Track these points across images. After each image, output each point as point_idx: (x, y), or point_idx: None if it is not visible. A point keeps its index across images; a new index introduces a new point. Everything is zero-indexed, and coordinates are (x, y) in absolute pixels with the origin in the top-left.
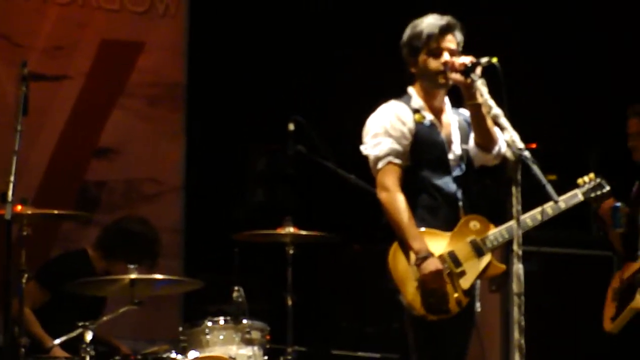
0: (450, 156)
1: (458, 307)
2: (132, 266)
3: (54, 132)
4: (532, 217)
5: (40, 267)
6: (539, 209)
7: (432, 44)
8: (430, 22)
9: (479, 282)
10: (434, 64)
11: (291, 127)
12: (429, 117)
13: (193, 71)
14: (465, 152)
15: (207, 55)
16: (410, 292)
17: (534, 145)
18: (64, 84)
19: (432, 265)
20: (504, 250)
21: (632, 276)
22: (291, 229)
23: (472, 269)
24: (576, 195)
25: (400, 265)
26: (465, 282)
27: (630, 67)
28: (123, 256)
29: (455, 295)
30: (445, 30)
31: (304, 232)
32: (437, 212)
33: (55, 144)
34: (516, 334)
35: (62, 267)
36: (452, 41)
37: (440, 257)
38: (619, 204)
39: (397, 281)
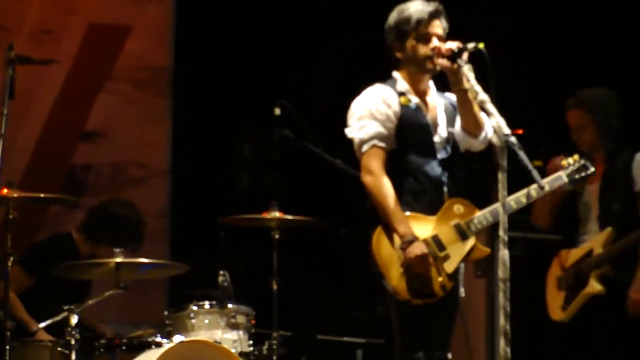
0: (436, 139)
1: (442, 291)
2: (117, 250)
3: (41, 115)
4: (516, 199)
5: (25, 252)
6: (523, 192)
7: (421, 29)
8: (418, 8)
9: (463, 266)
10: (422, 49)
11: (277, 111)
12: (414, 100)
13: (179, 55)
14: (451, 135)
15: (194, 40)
16: (395, 277)
17: (520, 131)
18: (51, 68)
19: (417, 249)
20: (488, 235)
21: (578, 263)
22: (277, 214)
23: (456, 252)
24: (560, 177)
25: (384, 249)
26: (449, 266)
27: (616, 53)
28: (108, 239)
29: (440, 279)
30: (433, 15)
31: (289, 217)
32: (421, 195)
33: (42, 128)
34: (502, 320)
35: (46, 251)
36: (439, 27)
37: (424, 241)
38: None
39: (381, 266)
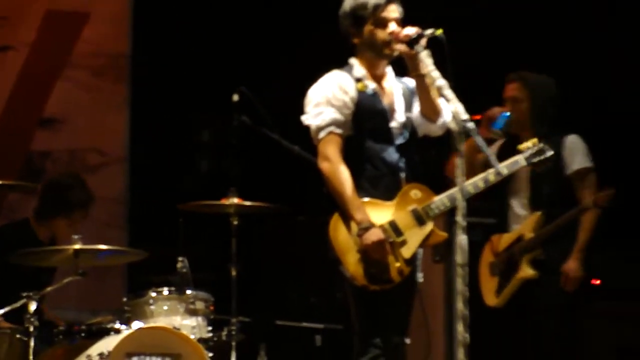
0: (393, 124)
1: (400, 276)
2: (76, 237)
3: None
4: (474, 184)
5: None
6: (481, 176)
7: (378, 14)
8: None
9: (421, 252)
10: (381, 34)
11: (235, 98)
12: (371, 85)
13: (137, 42)
14: (409, 120)
15: (152, 27)
16: (352, 263)
17: (478, 117)
18: (8, 55)
19: (374, 235)
20: (447, 221)
21: (510, 248)
22: (235, 200)
23: (414, 237)
24: (518, 162)
25: (341, 236)
26: (406, 251)
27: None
28: (57, 211)
29: (397, 264)
30: (390, 0)
31: (248, 203)
32: (379, 181)
33: (0, 114)
34: (460, 304)
35: (4, 238)
36: (395, 11)
37: (381, 227)
38: (508, 113)
39: (338, 252)
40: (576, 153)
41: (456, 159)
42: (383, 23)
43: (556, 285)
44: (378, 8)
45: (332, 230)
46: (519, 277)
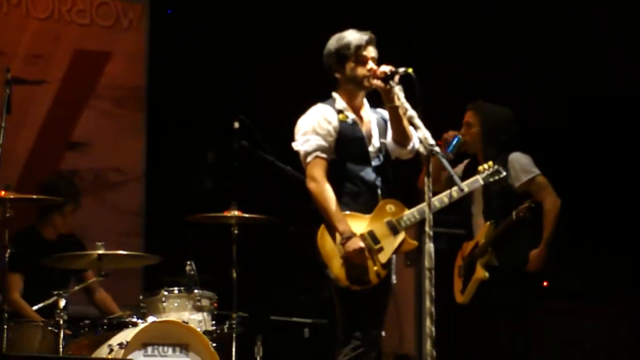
0: (370, 149)
1: (377, 278)
2: (99, 243)
3: (34, 128)
4: (440, 200)
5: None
6: (445, 193)
7: (359, 53)
8: (356, 35)
9: (394, 257)
10: (360, 70)
11: (236, 125)
12: (351, 116)
13: (153, 76)
14: (383, 145)
15: (165, 63)
16: (336, 267)
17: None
18: (42, 88)
19: (354, 244)
20: (417, 231)
21: (470, 253)
22: (236, 212)
23: (389, 245)
24: (477, 180)
25: (327, 244)
26: (383, 257)
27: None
28: (51, 209)
29: (375, 268)
30: (369, 42)
31: (247, 215)
32: (358, 197)
33: (35, 139)
34: (427, 303)
35: (18, 247)
36: (373, 51)
37: (361, 235)
38: (460, 136)
39: (324, 258)
40: (518, 169)
41: (424, 178)
42: (363, 61)
43: (507, 285)
44: (359, 48)
45: (319, 240)
46: (475, 278)
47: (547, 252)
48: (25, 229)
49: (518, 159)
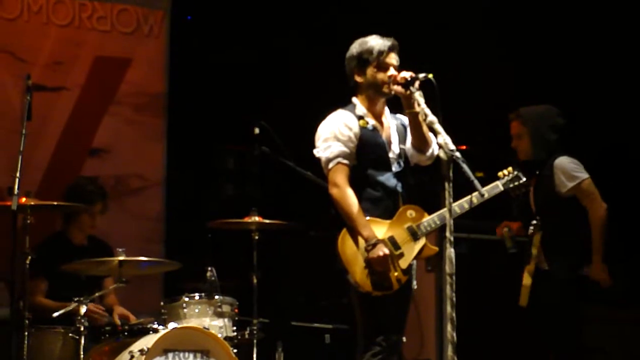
0: (391, 155)
1: (398, 284)
2: (120, 250)
3: (54, 134)
4: (460, 205)
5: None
6: (466, 199)
7: (381, 59)
8: (379, 41)
9: (415, 262)
10: (381, 76)
11: (257, 131)
12: (371, 122)
13: (173, 83)
14: (403, 151)
15: (185, 70)
16: (357, 272)
17: (464, 147)
18: (62, 94)
19: (380, 250)
20: (438, 236)
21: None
22: (257, 218)
23: (409, 251)
24: (497, 186)
25: (348, 249)
26: (403, 263)
27: (549, 77)
28: (82, 210)
29: (396, 274)
30: (391, 49)
31: (267, 221)
32: (379, 203)
33: (55, 145)
34: (448, 308)
35: (44, 252)
36: (395, 58)
37: (382, 241)
38: (506, 228)
39: (345, 263)
40: (563, 175)
41: (445, 184)
42: (384, 67)
43: (553, 289)
44: (381, 54)
45: (340, 245)
46: (523, 284)
47: (601, 261)
48: (53, 235)
49: (563, 164)
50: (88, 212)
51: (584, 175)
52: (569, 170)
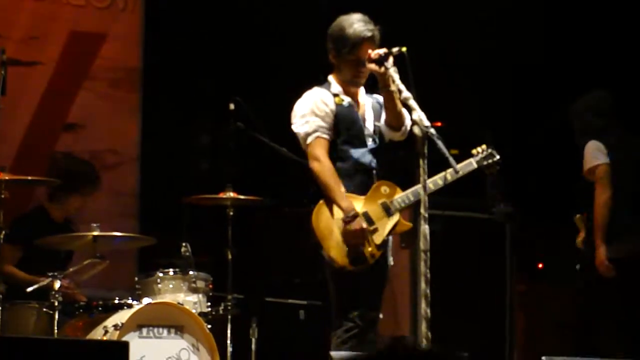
0: (366, 132)
1: (372, 259)
2: (94, 225)
3: (29, 109)
4: (434, 182)
5: (8, 229)
6: (440, 175)
7: (355, 52)
8: (356, 30)
9: (391, 239)
10: (352, 69)
11: (232, 106)
12: (346, 99)
13: (148, 58)
14: (378, 128)
15: (160, 44)
16: (332, 247)
17: (438, 124)
18: (37, 69)
19: (357, 224)
20: (412, 213)
21: None
22: (231, 194)
23: (383, 226)
24: (471, 164)
25: (322, 224)
26: (377, 238)
27: (524, 57)
28: (70, 189)
29: (370, 249)
30: (367, 40)
31: (242, 197)
32: (353, 179)
33: (30, 120)
34: (422, 285)
35: (23, 224)
36: (371, 47)
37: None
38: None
39: (319, 237)
40: (585, 156)
41: (420, 161)
42: (355, 60)
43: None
44: (355, 47)
45: (314, 219)
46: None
47: (602, 246)
48: (34, 209)
49: (589, 146)
50: (80, 194)
51: (600, 161)
52: (590, 152)
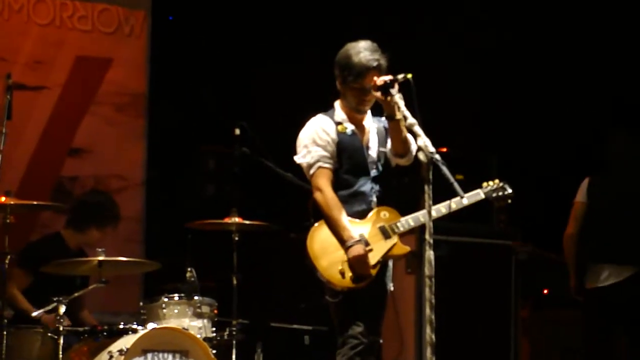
0: (369, 160)
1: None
2: (99, 250)
3: (34, 134)
4: (437, 210)
5: (20, 252)
6: (445, 204)
7: (359, 81)
8: (362, 61)
9: (391, 265)
10: (356, 97)
11: (237, 131)
12: (350, 127)
13: (154, 83)
14: (383, 154)
15: (166, 70)
16: (325, 267)
17: (444, 150)
18: (43, 94)
19: (356, 250)
20: (418, 239)
21: None
22: (237, 219)
23: (379, 248)
24: (478, 194)
25: (316, 245)
26: (371, 259)
27: (530, 82)
28: (93, 223)
29: None
30: (374, 69)
31: (247, 222)
32: (354, 205)
33: (35, 145)
34: (427, 311)
35: (39, 250)
36: (377, 75)
37: (360, 240)
38: None
39: (312, 257)
40: None
41: (425, 187)
42: (360, 89)
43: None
44: (360, 76)
45: (308, 241)
46: None
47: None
48: (49, 234)
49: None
50: (99, 228)
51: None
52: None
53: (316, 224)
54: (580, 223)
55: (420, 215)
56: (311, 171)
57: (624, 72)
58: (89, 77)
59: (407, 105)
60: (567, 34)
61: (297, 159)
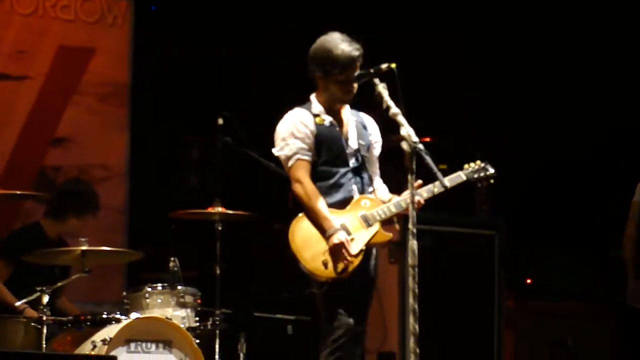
0: (348, 150)
1: (350, 266)
2: (82, 239)
3: (17, 124)
4: (419, 195)
5: (1, 243)
6: (426, 188)
7: (345, 74)
8: (345, 51)
9: (375, 252)
10: (341, 90)
11: (220, 121)
12: (328, 119)
13: (136, 73)
14: (362, 146)
15: (149, 60)
16: (308, 259)
17: (427, 139)
18: (26, 83)
19: (336, 238)
20: (401, 228)
21: None
22: (220, 209)
23: (361, 236)
24: (459, 176)
25: (298, 236)
26: (354, 247)
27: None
28: (71, 212)
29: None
30: (357, 59)
31: (230, 212)
32: (334, 196)
33: (18, 134)
34: (411, 300)
35: (18, 240)
36: (358, 67)
37: (340, 229)
38: None
39: (294, 249)
40: None
41: (408, 176)
42: (346, 81)
43: None
44: (346, 68)
45: (290, 235)
46: None
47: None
48: (29, 224)
49: None
50: (78, 217)
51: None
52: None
53: (299, 215)
54: (637, 222)
55: (402, 202)
56: (289, 163)
57: (611, 68)
58: (72, 67)
59: (391, 95)
60: (552, 24)
61: (276, 151)
